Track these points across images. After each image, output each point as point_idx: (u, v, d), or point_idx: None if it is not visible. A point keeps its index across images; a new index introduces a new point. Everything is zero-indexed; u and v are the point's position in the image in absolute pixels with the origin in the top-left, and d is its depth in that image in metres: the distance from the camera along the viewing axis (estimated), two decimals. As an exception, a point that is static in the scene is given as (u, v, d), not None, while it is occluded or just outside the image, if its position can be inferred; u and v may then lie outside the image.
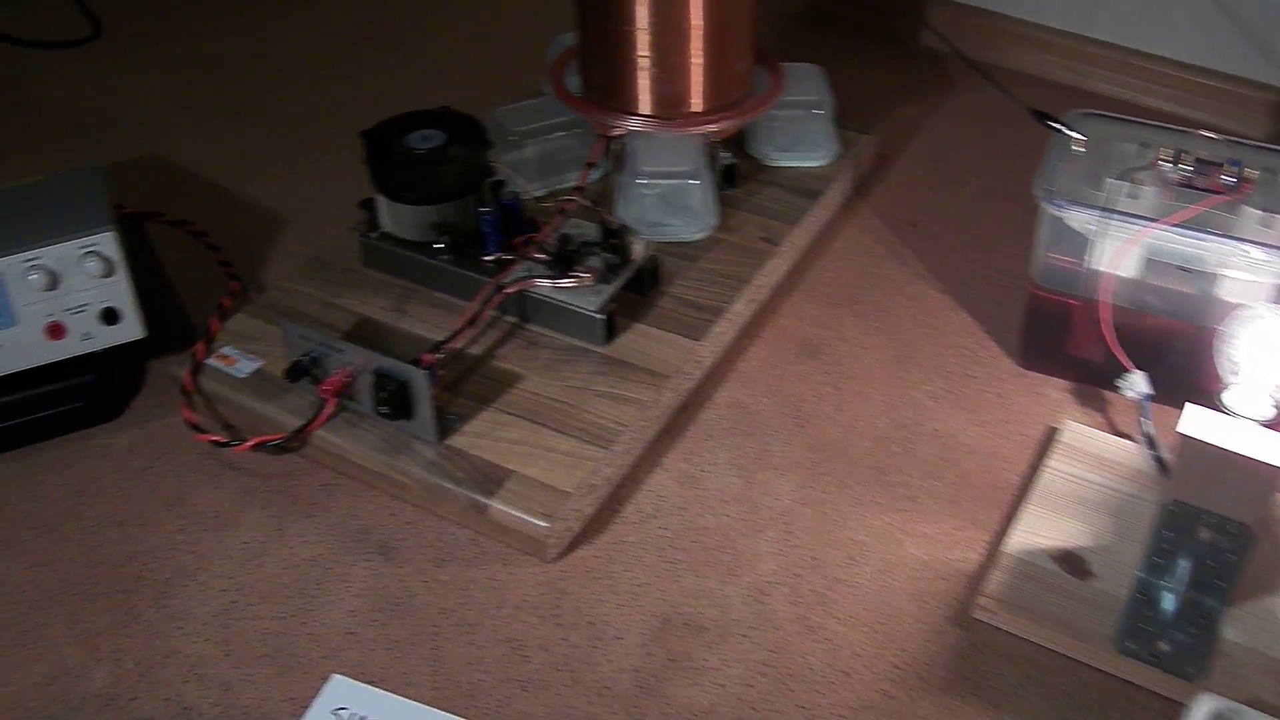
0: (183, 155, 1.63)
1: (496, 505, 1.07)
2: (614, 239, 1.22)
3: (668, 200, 1.34)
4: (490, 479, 1.09)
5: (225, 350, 1.23)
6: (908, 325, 1.32)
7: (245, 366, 1.21)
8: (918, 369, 1.27)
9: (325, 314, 1.27)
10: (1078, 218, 1.13)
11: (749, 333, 1.31)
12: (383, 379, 1.10)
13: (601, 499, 1.13)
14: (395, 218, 1.26)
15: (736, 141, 1.46)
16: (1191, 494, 0.99)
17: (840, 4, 1.92)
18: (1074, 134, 1.20)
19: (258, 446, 1.16)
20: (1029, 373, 1.26)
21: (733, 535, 1.11)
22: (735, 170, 1.40)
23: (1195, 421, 0.98)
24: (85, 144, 1.67)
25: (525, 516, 1.06)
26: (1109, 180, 1.15)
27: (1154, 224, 1.11)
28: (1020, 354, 1.27)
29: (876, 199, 1.52)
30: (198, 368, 1.21)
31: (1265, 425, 0.98)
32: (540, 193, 1.40)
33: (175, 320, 1.33)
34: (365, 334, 1.24)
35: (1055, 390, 1.24)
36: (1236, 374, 1.05)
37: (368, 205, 1.29)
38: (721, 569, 1.08)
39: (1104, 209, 1.12)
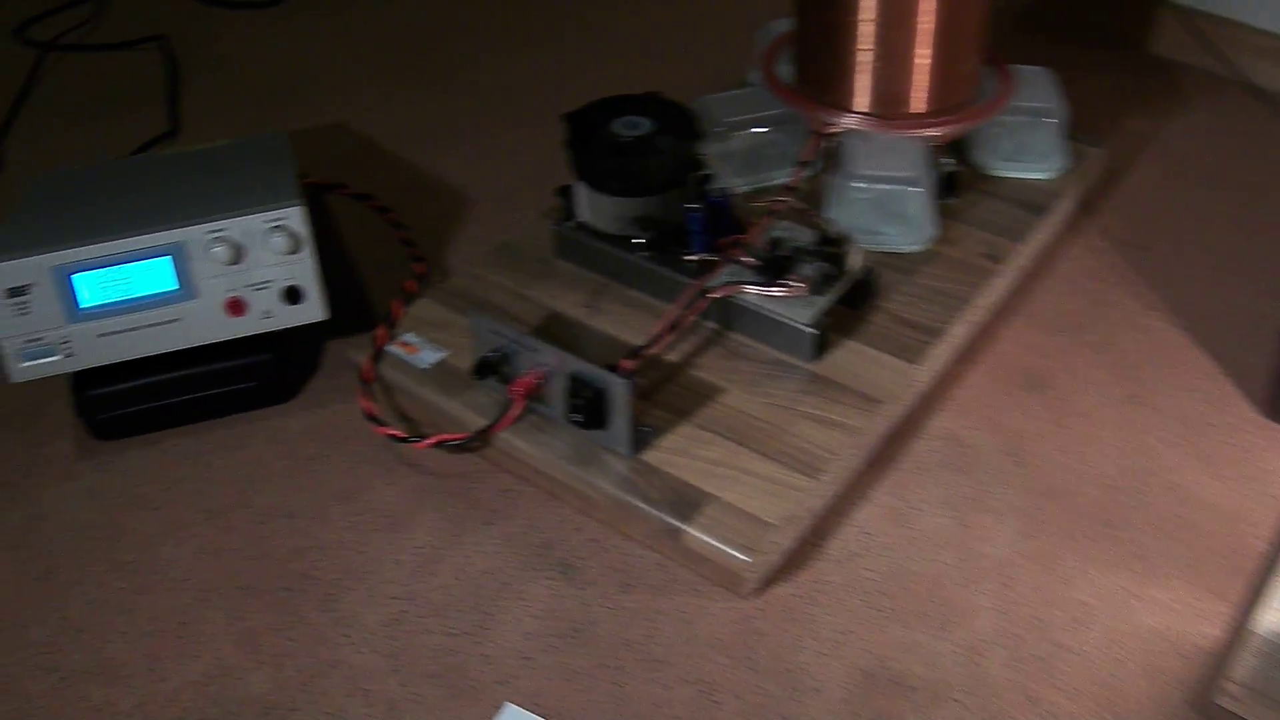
0: (369, 125, 1.57)
1: (692, 531, 0.98)
2: (831, 247, 1.12)
3: (882, 206, 1.24)
4: (686, 501, 1.00)
5: (407, 338, 1.15)
6: (1139, 361, 1.21)
7: (428, 356, 1.13)
8: (1151, 411, 1.16)
9: (514, 305, 1.19)
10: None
11: (966, 358, 1.21)
12: (578, 384, 1.02)
13: (803, 531, 1.04)
14: (595, 208, 1.18)
15: (956, 147, 1.35)
16: None
17: (1062, 4, 1.78)
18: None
19: (438, 445, 1.08)
20: (1272, 424, 1.14)
21: (945, 584, 1.01)
22: (957, 178, 1.29)
23: None
24: (270, 108, 1.62)
25: (724, 547, 0.97)
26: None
27: None
28: (1269, 404, 1.15)
29: (1105, 219, 1.40)
30: (378, 354, 1.14)
31: None
32: (745, 189, 1.30)
33: (354, 300, 1.26)
34: (555, 331, 1.16)
35: (1305, 446, 1.12)
36: None
37: (565, 193, 1.20)
38: (932, 622, 0.98)
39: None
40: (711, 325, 1.16)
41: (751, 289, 1.12)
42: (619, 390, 1.01)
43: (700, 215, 1.14)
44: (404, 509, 1.07)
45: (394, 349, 1.15)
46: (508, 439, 1.07)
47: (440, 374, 1.12)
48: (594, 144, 1.16)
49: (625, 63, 1.71)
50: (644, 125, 1.17)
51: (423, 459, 1.12)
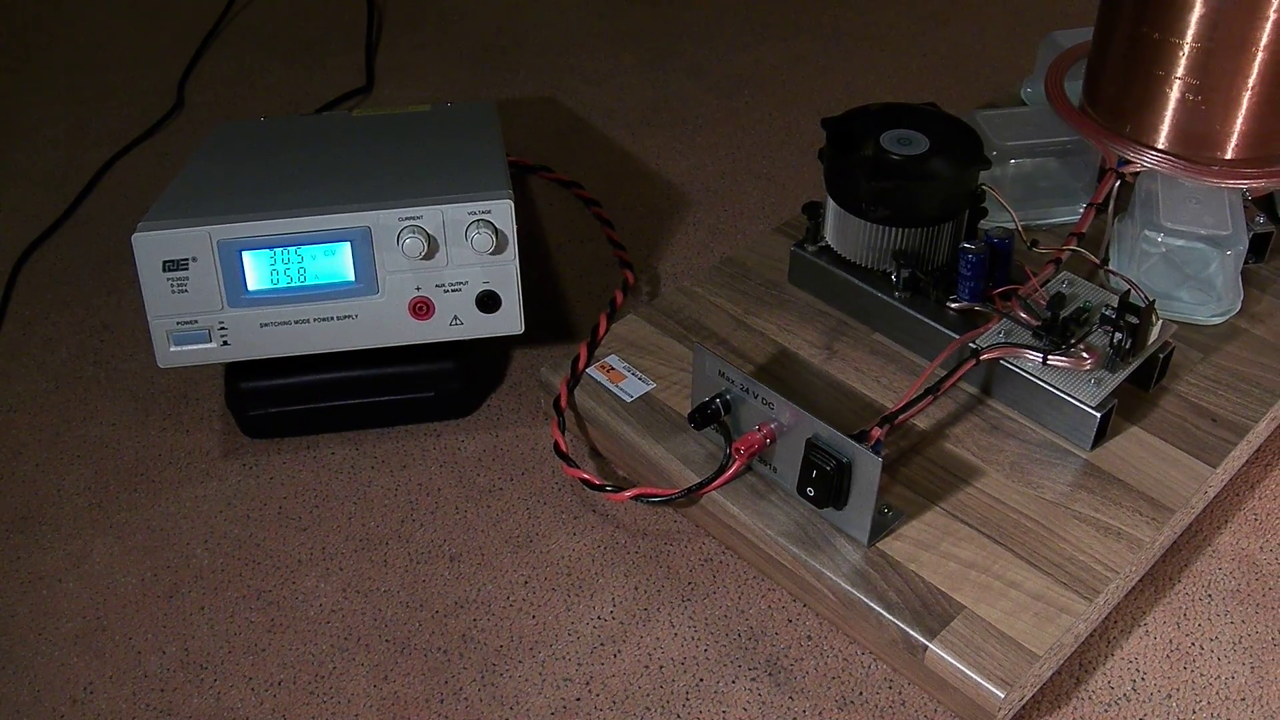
0: (585, 102, 1.39)
1: (937, 650, 0.80)
2: (1130, 314, 0.92)
3: (1178, 266, 1.03)
4: (932, 611, 0.82)
5: (610, 361, 0.98)
6: None
7: (634, 387, 0.96)
8: None
9: (735, 335, 1.01)
10: None
11: (1264, 460, 1.00)
12: (817, 452, 0.84)
13: (1065, 660, 0.84)
14: (846, 233, 0.99)
15: (1265, 204, 1.14)
16: None
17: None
18: None
19: (638, 498, 0.91)
20: None
21: (1239, 751, 0.81)
22: (1269, 241, 1.08)
23: None
24: (474, 71, 1.45)
25: (975, 676, 0.79)
26: None
27: None
28: None
29: None
30: (576, 378, 0.97)
31: None
32: (1006, 224, 1.11)
33: (550, 305, 1.09)
34: (782, 373, 0.98)
35: None
36: None
37: (813, 210, 1.02)
38: (1224, 800, 0.79)
39: None
40: (970, 389, 0.97)
41: (1031, 354, 0.93)
42: (868, 466, 0.83)
43: (977, 258, 0.95)
44: (588, 568, 0.91)
45: (594, 374, 0.98)
46: (720, 501, 0.89)
47: (644, 410, 0.95)
48: (858, 159, 0.97)
49: (878, 60, 1.52)
50: (919, 143, 0.99)
51: (615, 510, 0.95)
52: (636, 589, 0.90)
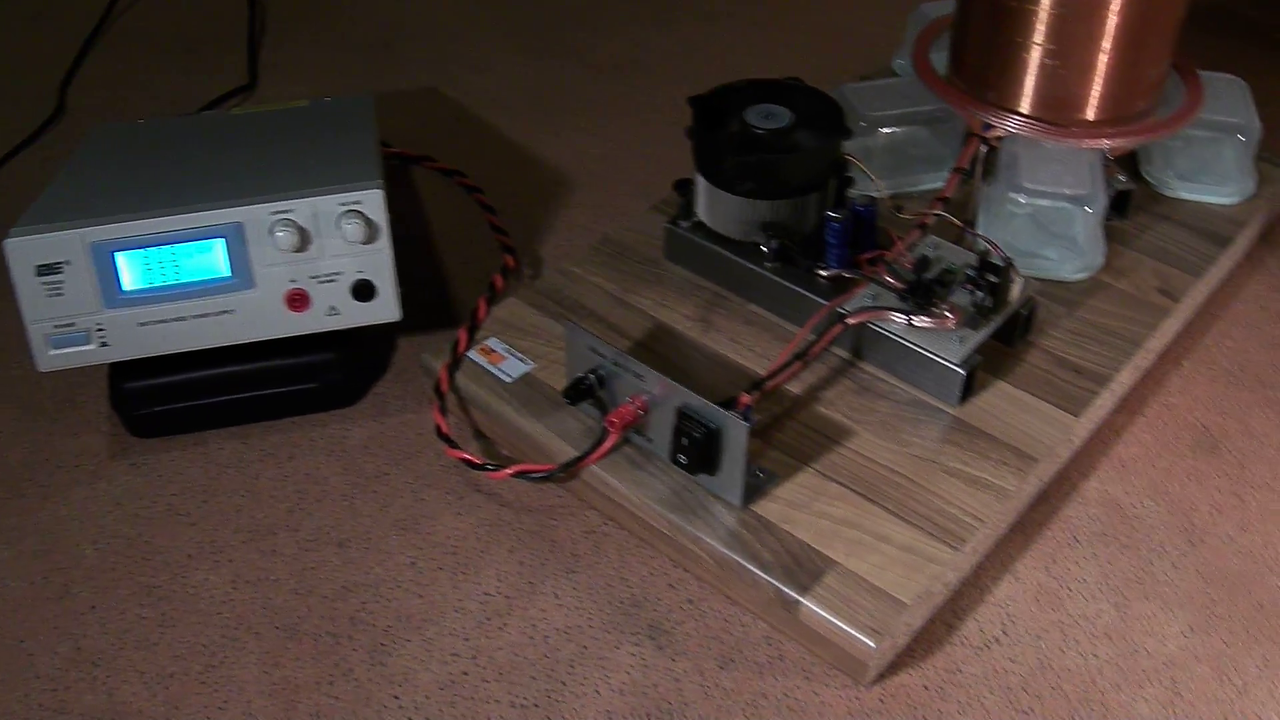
0: (470, 92, 1.41)
1: (810, 605, 0.83)
2: (991, 273, 0.95)
3: (1042, 226, 1.06)
4: (805, 568, 0.84)
5: (491, 343, 1.00)
6: (1333, 426, 1.03)
7: (513, 368, 0.98)
8: (1348, 489, 0.98)
9: (614, 313, 1.03)
10: None
11: (1129, 408, 1.04)
12: (687, 420, 0.86)
13: (936, 609, 0.87)
14: (717, 208, 1.02)
15: (1127, 162, 1.17)
16: None
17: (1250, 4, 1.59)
18: None
19: (519, 475, 0.93)
20: None
21: (1103, 685, 0.85)
22: (1129, 198, 1.11)
23: None
24: (365, 64, 1.46)
25: (847, 627, 0.81)
26: None
27: None
28: None
29: (1290, 251, 1.21)
30: (456, 362, 0.98)
31: None
32: (880, 193, 1.13)
33: (434, 292, 1.11)
34: (660, 348, 1.00)
35: None
36: None
37: (684, 188, 1.04)
38: (1089, 733, 0.82)
39: None
40: (841, 353, 1.00)
41: (895, 316, 0.95)
42: (736, 432, 0.85)
43: (841, 226, 0.98)
44: (473, 546, 0.93)
45: (475, 356, 1.00)
46: (599, 473, 0.91)
47: (524, 389, 0.97)
48: (723, 135, 0.99)
49: (756, 39, 1.54)
50: (783, 116, 1.01)
51: (499, 488, 0.97)
52: (521, 564, 0.92)
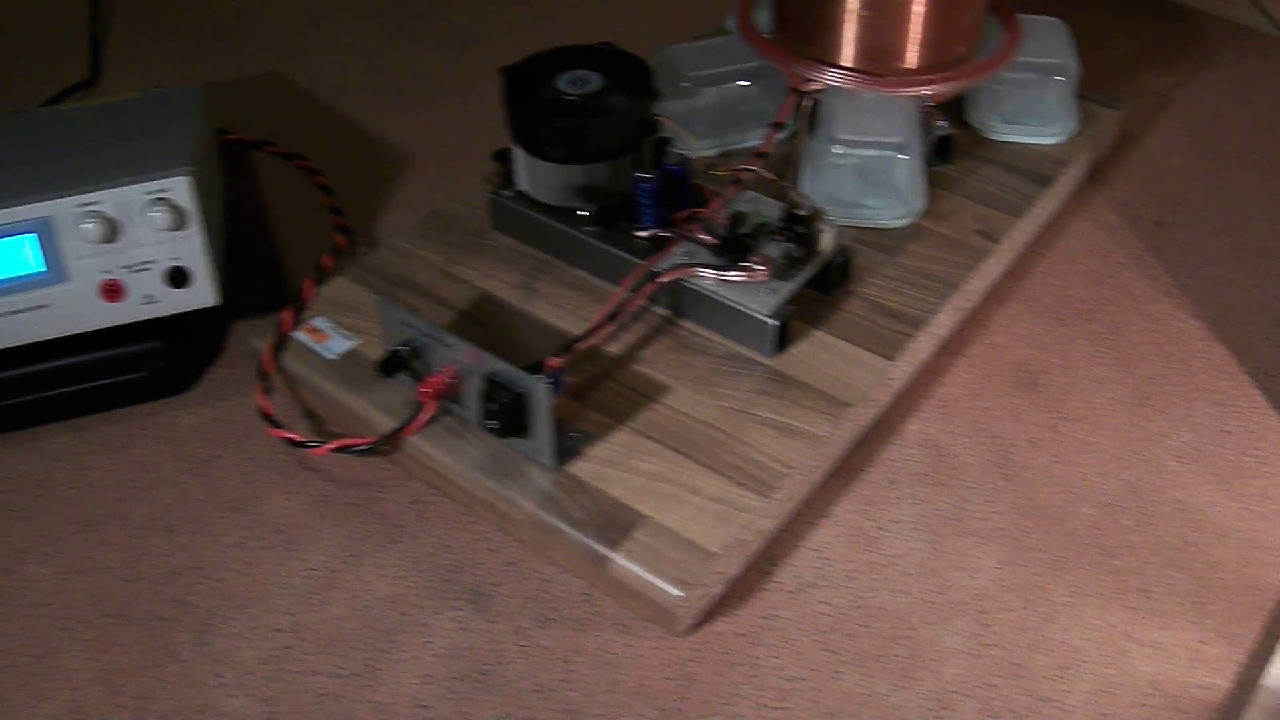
0: (315, 74, 1.41)
1: (619, 560, 0.84)
2: (798, 224, 0.97)
3: (866, 175, 1.08)
4: (616, 524, 0.86)
5: (316, 322, 1.01)
6: (1150, 356, 1.05)
7: (338, 345, 0.99)
8: (1160, 416, 1.01)
9: (439, 285, 1.04)
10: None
11: (951, 349, 1.06)
12: (494, 387, 0.88)
13: (751, 556, 0.90)
14: (534, 176, 1.03)
15: (953, 107, 1.19)
16: None
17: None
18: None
19: (339, 450, 0.94)
20: (1303, 433, 0.99)
21: (914, 621, 0.87)
22: (952, 143, 1.13)
23: None
24: (211, 52, 1.46)
25: (654, 579, 0.83)
26: None
27: None
28: (1297, 409, 0.99)
29: (1116, 189, 1.24)
30: (281, 342, 0.99)
31: None
32: (712, 152, 1.15)
33: (271, 274, 1.12)
34: (484, 317, 1.01)
35: (1342, 461, 0.97)
36: None
37: (503, 157, 1.05)
38: (895, 667, 0.84)
39: None
40: (661, 311, 1.01)
41: (706, 272, 0.97)
42: (540, 396, 0.87)
43: (652, 186, 0.99)
44: (300, 523, 0.94)
45: (300, 336, 1.01)
46: (418, 443, 0.93)
47: (349, 366, 0.98)
48: (532, 102, 1.01)
49: (599, 7, 1.55)
50: (592, 81, 1.02)
51: (327, 465, 0.98)
52: (347, 537, 0.93)
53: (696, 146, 1.08)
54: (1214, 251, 1.17)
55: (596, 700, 0.83)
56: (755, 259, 0.97)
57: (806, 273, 0.98)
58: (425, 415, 0.92)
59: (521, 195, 1.06)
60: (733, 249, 0.98)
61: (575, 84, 1.02)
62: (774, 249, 0.99)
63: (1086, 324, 1.09)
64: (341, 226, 1.15)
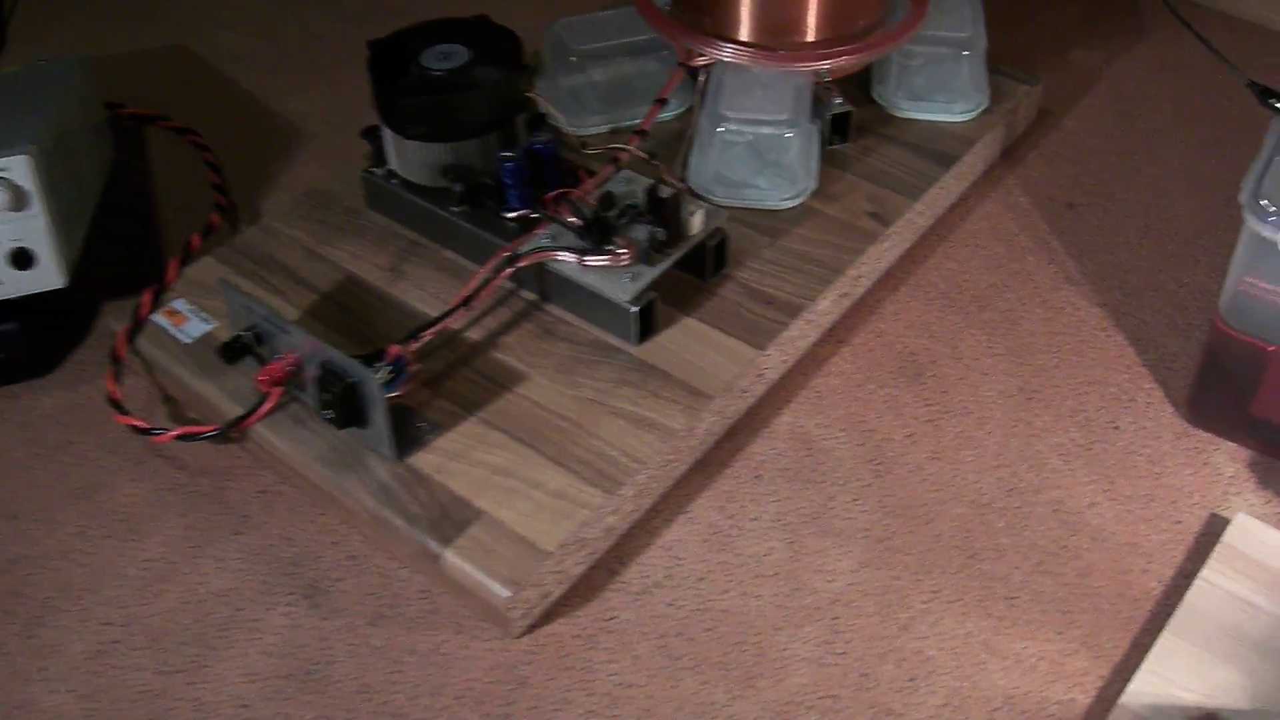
0: (220, 48, 1.37)
1: (450, 557, 0.81)
2: (662, 207, 0.93)
3: (757, 154, 1.04)
4: (452, 519, 0.83)
5: (176, 305, 0.98)
6: (1044, 347, 1.01)
7: (195, 329, 0.96)
8: (1048, 411, 0.97)
9: (305, 267, 1.01)
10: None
11: (836, 337, 1.02)
12: (329, 376, 0.84)
13: (598, 554, 0.86)
14: (401, 154, 1.00)
15: (861, 84, 1.15)
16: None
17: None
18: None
19: (182, 438, 0.91)
20: (1197, 432, 0.94)
21: (761, 626, 0.83)
22: (849, 120, 1.09)
23: None
24: (119, 23, 1.42)
25: (483, 579, 0.80)
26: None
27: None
28: (1190, 405, 0.95)
29: (1030, 170, 1.19)
30: (138, 324, 0.97)
31: None
32: (603, 129, 1.11)
33: (149, 254, 1.09)
34: (347, 300, 0.99)
35: (1228, 460, 0.93)
36: None
37: (372, 135, 1.02)
38: (736, 675, 0.81)
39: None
40: (529, 296, 0.98)
41: (566, 256, 0.93)
42: (371, 386, 0.83)
43: (515, 165, 0.96)
44: (144, 512, 0.91)
45: (157, 318, 0.98)
46: (261, 431, 0.90)
47: (204, 351, 0.96)
48: (391, 79, 0.97)
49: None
50: (460, 55, 0.98)
51: (178, 453, 0.95)
52: (190, 528, 0.91)
53: (563, 124, 1.03)
54: (1125, 235, 1.12)
55: (420, 704, 0.80)
56: (620, 242, 0.93)
57: (671, 258, 0.95)
58: (269, 403, 0.90)
59: (393, 174, 1.03)
60: (597, 232, 0.94)
61: (442, 59, 0.99)
62: (640, 232, 0.95)
63: (981, 312, 1.05)
64: (219, 205, 1.12)
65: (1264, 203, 0.83)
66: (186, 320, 0.97)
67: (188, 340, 0.96)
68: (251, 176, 1.19)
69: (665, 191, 0.94)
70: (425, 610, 0.85)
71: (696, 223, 0.96)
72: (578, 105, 1.11)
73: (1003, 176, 1.18)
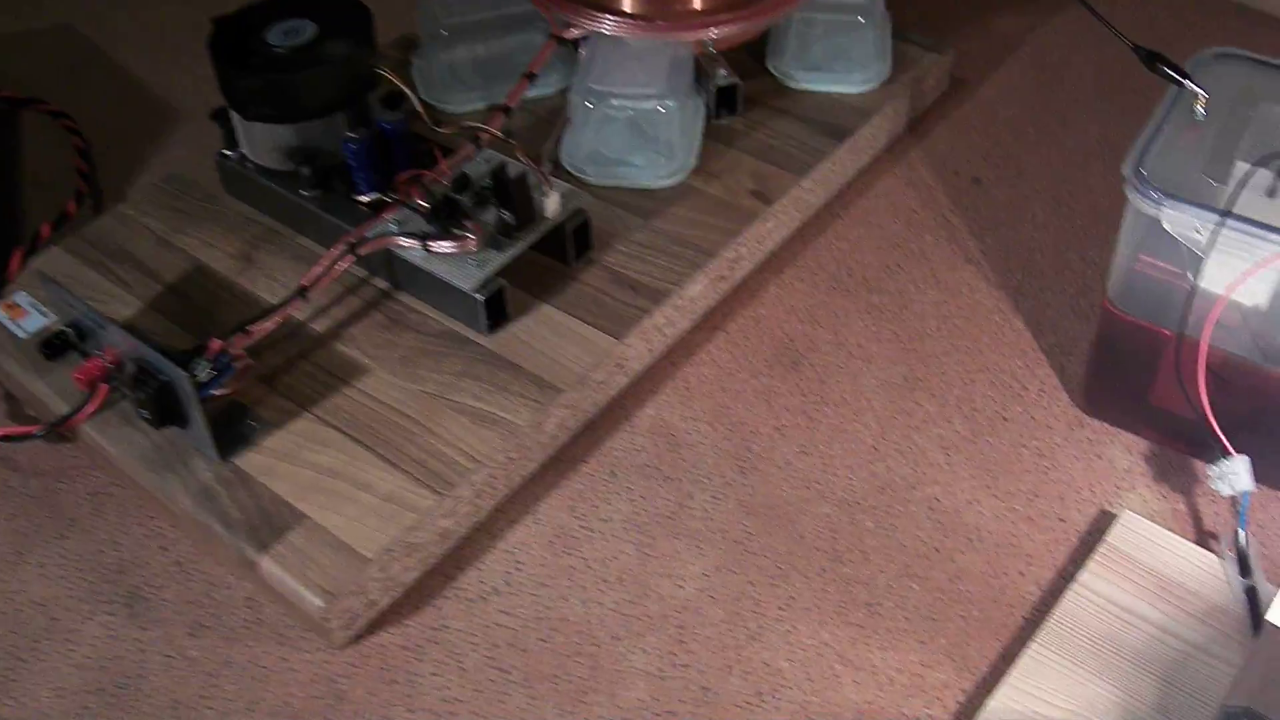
0: (105, 28, 1.32)
1: (267, 564, 0.76)
2: (508, 188, 0.88)
3: (636, 130, 0.99)
4: (271, 524, 0.78)
5: (17, 297, 0.94)
6: (934, 330, 0.95)
7: (32, 323, 0.92)
8: (932, 400, 0.91)
9: (155, 256, 0.97)
10: (1180, 218, 0.75)
11: (712, 323, 0.96)
12: (144, 375, 0.80)
13: (433, 559, 0.81)
14: (249, 136, 0.95)
15: (757, 55, 1.09)
16: (1271, 704, 0.63)
17: None
18: (1196, 88, 0.80)
19: (4, 439, 0.86)
20: (1091, 421, 0.89)
21: (601, 636, 0.78)
22: (736, 94, 1.03)
23: None
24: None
25: (298, 587, 0.75)
26: (1240, 164, 0.76)
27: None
28: (1085, 394, 0.89)
29: (935, 143, 1.13)
30: (-26, 319, 0.92)
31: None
32: (479, 106, 1.06)
33: (7, 243, 1.04)
34: (192, 291, 0.94)
35: (1123, 452, 0.87)
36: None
37: (221, 117, 0.97)
38: (568, 689, 0.76)
39: (1224, 210, 0.73)
40: (381, 284, 0.93)
41: (409, 242, 0.88)
42: (183, 383, 0.78)
43: (360, 146, 0.91)
44: (-32, 516, 0.87)
45: (-5, 312, 0.93)
46: (87, 430, 0.85)
47: (40, 346, 0.90)
48: (230, 58, 0.92)
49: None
50: (306, 31, 0.93)
51: (9, 453, 0.90)
52: (14, 532, 0.86)
53: (415, 103, 0.98)
54: (1031, 212, 1.06)
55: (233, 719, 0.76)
56: (468, 226, 0.88)
57: (524, 242, 0.89)
58: (93, 402, 0.85)
59: (246, 158, 0.98)
60: (445, 215, 0.89)
61: (286, 35, 0.93)
62: (490, 215, 0.89)
63: (870, 294, 0.99)
64: (80, 193, 1.07)
65: (1145, 173, 0.77)
66: (26, 314, 0.93)
67: (23, 335, 0.92)
68: (127, 161, 1.14)
69: (513, 171, 0.88)
70: (248, 620, 0.81)
71: (552, 204, 0.90)
72: (453, 81, 1.06)
73: (907, 150, 1.12)
